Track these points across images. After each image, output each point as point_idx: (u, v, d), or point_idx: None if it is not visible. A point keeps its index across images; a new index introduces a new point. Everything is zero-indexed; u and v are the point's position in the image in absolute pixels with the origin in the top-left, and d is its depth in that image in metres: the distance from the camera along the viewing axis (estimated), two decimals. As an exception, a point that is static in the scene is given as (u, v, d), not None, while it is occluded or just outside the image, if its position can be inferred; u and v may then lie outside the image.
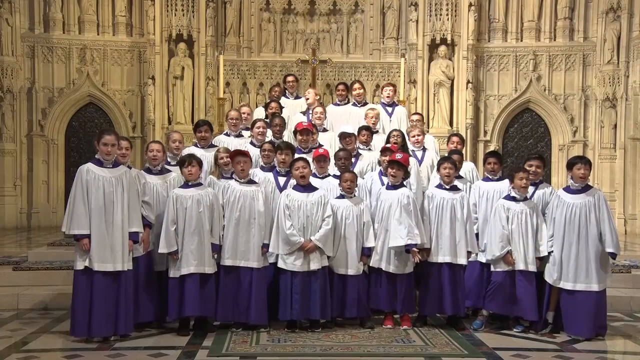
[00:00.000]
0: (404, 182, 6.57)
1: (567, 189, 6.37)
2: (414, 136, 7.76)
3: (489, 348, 5.73)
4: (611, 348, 5.97)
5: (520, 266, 6.25)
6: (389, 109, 8.84)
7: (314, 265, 6.17)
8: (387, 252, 6.35)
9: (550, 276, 6.23)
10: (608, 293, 7.34)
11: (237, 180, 6.31)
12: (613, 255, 6.19)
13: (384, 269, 6.36)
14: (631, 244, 11.20)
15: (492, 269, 6.40)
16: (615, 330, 6.56)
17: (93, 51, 13.27)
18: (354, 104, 8.96)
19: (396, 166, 6.42)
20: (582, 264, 6.10)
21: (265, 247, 6.23)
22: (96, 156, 5.90)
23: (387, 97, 8.90)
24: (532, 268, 6.26)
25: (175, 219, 6.07)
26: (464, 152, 8.06)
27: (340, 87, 9.22)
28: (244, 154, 6.42)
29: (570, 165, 6.39)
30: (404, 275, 6.39)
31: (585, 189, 6.28)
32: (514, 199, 6.38)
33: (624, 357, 5.93)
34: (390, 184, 6.49)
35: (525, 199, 6.41)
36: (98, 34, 13.36)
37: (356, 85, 9.09)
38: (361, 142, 7.57)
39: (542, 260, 6.32)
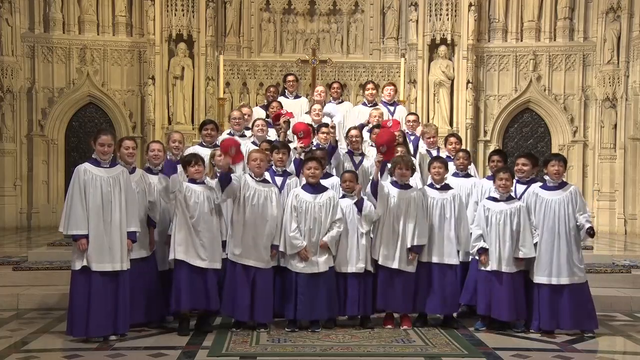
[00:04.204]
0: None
1: (544, 186, 6.42)
2: (429, 137, 7.87)
3: (489, 348, 5.73)
4: (611, 348, 5.96)
5: (493, 266, 6.26)
6: (391, 108, 8.92)
7: (321, 267, 6.17)
8: (404, 252, 6.33)
9: (533, 273, 6.28)
10: (608, 293, 7.46)
11: (252, 178, 6.29)
12: (591, 231, 6.18)
13: (402, 269, 6.33)
14: (631, 244, 11.20)
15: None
16: (615, 330, 6.56)
17: (93, 51, 13.28)
18: (364, 104, 9.05)
19: (404, 165, 6.43)
20: (559, 259, 6.18)
21: (275, 248, 6.24)
22: (93, 156, 5.89)
23: (388, 96, 9.00)
24: (507, 269, 6.25)
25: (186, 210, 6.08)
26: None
27: (335, 85, 9.27)
28: (262, 152, 6.45)
29: (545, 162, 6.50)
30: (414, 274, 6.43)
31: (562, 185, 6.36)
32: (494, 199, 6.40)
33: (624, 357, 5.92)
34: (399, 183, 6.48)
35: (511, 198, 6.41)
36: (98, 34, 13.37)
37: (369, 86, 9.15)
38: (373, 141, 7.61)
39: (529, 261, 6.32)
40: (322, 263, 6.18)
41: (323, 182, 6.57)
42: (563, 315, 6.18)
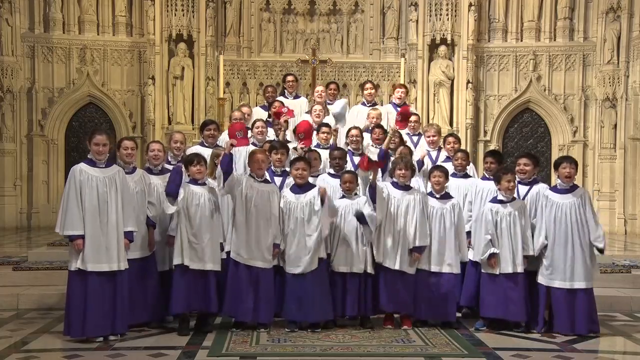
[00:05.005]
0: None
1: (555, 189, 6.40)
2: (429, 136, 7.85)
3: (489, 348, 5.72)
4: (611, 348, 5.97)
5: (509, 269, 6.24)
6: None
7: (303, 268, 6.16)
8: (405, 254, 6.33)
9: (543, 276, 6.27)
10: (608, 293, 7.46)
11: (254, 178, 6.29)
12: (601, 251, 6.28)
13: (406, 271, 6.34)
14: (631, 244, 11.20)
15: (482, 270, 6.41)
16: (615, 330, 6.56)
17: (93, 51, 13.28)
18: (364, 104, 9.05)
19: (404, 166, 6.43)
20: (573, 263, 6.16)
21: (276, 247, 6.26)
22: (89, 156, 5.89)
23: (399, 98, 8.98)
24: (520, 269, 6.26)
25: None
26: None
27: (332, 86, 9.27)
28: (264, 152, 6.46)
29: (556, 165, 6.45)
30: (414, 277, 6.43)
31: (573, 188, 6.34)
32: (501, 201, 6.37)
33: (624, 357, 5.92)
34: (399, 184, 6.48)
35: (513, 199, 6.39)
36: (98, 34, 13.37)
37: (368, 85, 9.15)
38: (374, 141, 7.63)
39: (531, 260, 6.33)
40: (303, 264, 6.16)
41: (317, 180, 6.59)
42: (579, 319, 6.15)
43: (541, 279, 6.29)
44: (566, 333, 6.16)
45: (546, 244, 6.26)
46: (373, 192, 6.30)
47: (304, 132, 7.19)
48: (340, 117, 8.06)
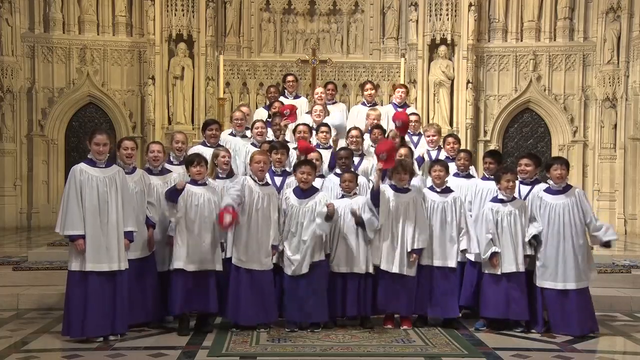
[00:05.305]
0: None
1: (548, 190, 6.40)
2: (429, 136, 7.85)
3: (489, 348, 5.73)
4: (611, 348, 5.97)
5: (511, 268, 6.25)
6: (400, 110, 8.85)
7: (297, 270, 6.15)
8: (404, 256, 6.31)
9: (538, 277, 6.28)
10: (608, 293, 7.47)
11: (255, 180, 6.27)
12: (607, 244, 6.27)
13: (406, 273, 6.32)
14: (631, 244, 11.20)
15: (482, 270, 6.40)
16: (615, 330, 6.56)
17: (93, 51, 13.28)
18: (364, 104, 9.04)
19: (402, 170, 6.42)
20: (565, 264, 6.17)
21: (275, 248, 6.26)
22: (89, 156, 5.89)
23: (399, 98, 8.99)
24: (522, 268, 6.28)
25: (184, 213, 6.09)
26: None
27: (330, 86, 9.27)
28: (265, 154, 6.46)
29: (547, 166, 6.46)
30: (415, 277, 6.43)
31: (566, 189, 6.34)
32: (501, 200, 6.38)
33: (624, 357, 5.92)
34: (397, 186, 6.47)
35: (514, 198, 6.40)
36: (98, 34, 13.37)
37: (368, 86, 9.15)
38: (373, 141, 7.60)
39: (530, 260, 6.35)
40: (300, 265, 6.15)
41: (325, 181, 6.59)
42: (572, 319, 6.16)
43: (538, 280, 6.30)
44: (564, 333, 6.17)
45: (534, 233, 6.26)
46: (375, 196, 6.31)
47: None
48: (340, 128, 8.00)
